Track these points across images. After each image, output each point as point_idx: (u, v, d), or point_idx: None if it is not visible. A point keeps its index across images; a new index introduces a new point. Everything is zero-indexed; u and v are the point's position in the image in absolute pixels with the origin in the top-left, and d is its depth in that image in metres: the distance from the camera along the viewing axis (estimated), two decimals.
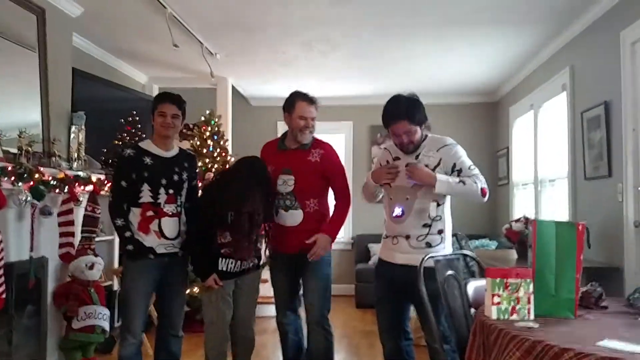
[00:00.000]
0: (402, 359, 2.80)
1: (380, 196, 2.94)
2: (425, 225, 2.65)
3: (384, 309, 2.82)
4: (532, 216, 4.77)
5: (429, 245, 2.64)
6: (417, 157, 2.71)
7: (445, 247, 2.70)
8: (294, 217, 3.09)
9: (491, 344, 1.84)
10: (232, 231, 2.98)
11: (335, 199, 3.23)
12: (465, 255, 2.72)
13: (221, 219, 2.98)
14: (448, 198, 2.73)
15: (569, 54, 4.67)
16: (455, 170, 2.66)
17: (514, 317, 1.96)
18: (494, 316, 1.95)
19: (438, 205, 2.67)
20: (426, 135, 2.78)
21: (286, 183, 3.11)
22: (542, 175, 5.35)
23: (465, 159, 2.70)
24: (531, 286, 2.00)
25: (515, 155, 6.25)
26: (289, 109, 3.15)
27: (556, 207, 4.96)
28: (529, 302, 1.98)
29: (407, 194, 2.66)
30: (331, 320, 3.23)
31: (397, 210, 2.69)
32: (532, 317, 1.97)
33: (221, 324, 3.03)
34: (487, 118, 7.17)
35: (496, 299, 1.96)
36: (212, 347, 3.04)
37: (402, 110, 2.63)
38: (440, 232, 2.68)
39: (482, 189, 2.61)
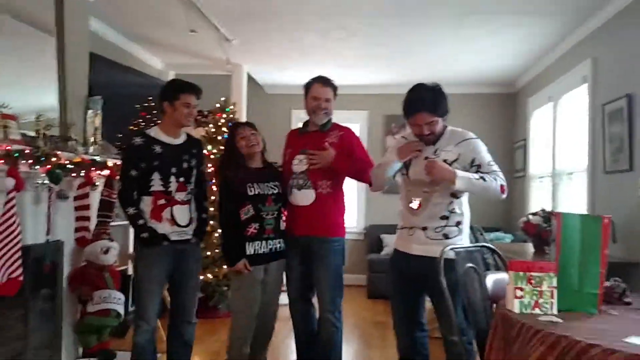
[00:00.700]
0: (417, 351, 2.77)
1: (386, 187, 2.91)
2: (443, 217, 2.61)
3: (399, 299, 2.79)
4: (549, 209, 4.71)
5: (446, 236, 2.60)
6: (435, 151, 2.65)
7: (463, 239, 2.66)
8: (306, 197, 3.10)
9: (513, 338, 1.81)
10: (253, 200, 3.00)
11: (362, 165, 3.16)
12: (484, 247, 2.67)
13: (240, 195, 2.99)
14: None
15: (591, 46, 4.58)
16: (474, 165, 2.61)
17: (537, 311, 1.93)
18: (517, 310, 1.92)
19: (457, 198, 2.64)
20: (445, 127, 2.71)
21: (301, 162, 3.14)
22: (559, 168, 5.28)
23: (485, 155, 2.64)
24: (554, 280, 1.96)
25: (533, 148, 6.17)
26: (305, 93, 3.20)
27: (574, 201, 4.89)
28: (552, 297, 1.95)
29: (425, 187, 2.63)
30: (343, 310, 3.21)
31: (415, 203, 2.65)
32: (554, 311, 1.94)
33: (248, 313, 3.02)
34: (505, 109, 7.08)
35: (519, 293, 1.93)
36: (238, 336, 3.03)
37: (427, 101, 2.57)
38: (458, 224, 2.64)
39: (501, 186, 2.56)
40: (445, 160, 2.59)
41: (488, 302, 2.32)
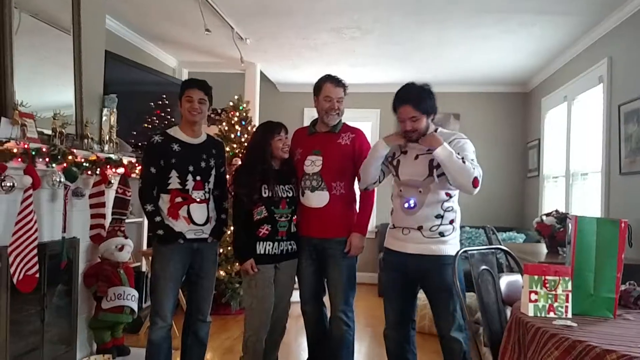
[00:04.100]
0: (408, 349, 2.82)
1: (372, 184, 2.92)
2: (437, 216, 2.65)
3: (394, 298, 2.82)
4: (563, 210, 4.68)
5: (441, 234, 2.64)
6: (428, 150, 2.65)
7: (456, 237, 2.71)
8: (319, 198, 3.09)
9: (528, 342, 1.80)
10: (267, 202, 3.01)
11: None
12: (498, 249, 2.67)
13: (254, 198, 3.00)
14: (456, 190, 2.69)
15: (607, 45, 4.53)
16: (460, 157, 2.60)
17: (551, 315, 1.92)
18: (531, 313, 1.91)
19: (450, 197, 2.68)
20: (436, 129, 2.74)
21: (314, 164, 3.12)
22: (574, 169, 5.24)
23: (469, 153, 2.63)
24: (570, 284, 1.95)
25: (547, 147, 6.12)
26: (317, 92, 3.18)
27: (588, 202, 4.86)
28: (567, 301, 1.94)
29: (419, 187, 2.66)
30: (354, 309, 3.22)
31: (410, 202, 2.68)
32: (569, 315, 1.93)
33: (260, 311, 3.02)
34: (519, 108, 7.03)
35: (533, 296, 1.92)
36: (251, 334, 3.04)
37: (410, 95, 2.61)
38: (452, 222, 2.68)
39: (475, 178, 2.51)
40: (432, 160, 2.60)
41: (502, 305, 2.32)
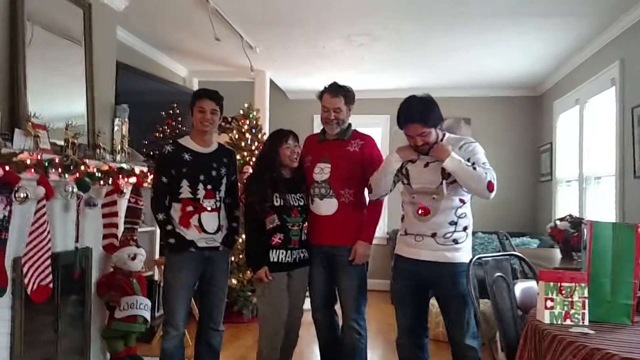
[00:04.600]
0: (421, 357, 2.79)
1: (384, 194, 2.89)
2: (451, 223, 2.63)
3: (406, 305, 2.79)
4: (577, 214, 4.63)
5: (455, 242, 2.62)
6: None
7: (469, 243, 2.69)
8: (328, 206, 3.08)
9: (544, 350, 1.78)
10: (279, 211, 3.01)
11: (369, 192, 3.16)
12: (512, 255, 2.64)
13: (266, 206, 3.00)
14: (469, 196, 2.68)
15: (620, 47, 4.49)
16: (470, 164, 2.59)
17: (568, 322, 1.89)
18: (547, 321, 1.89)
19: (464, 203, 2.66)
20: (444, 135, 2.73)
21: (322, 171, 3.12)
22: (587, 172, 5.19)
23: (480, 156, 2.62)
24: (586, 290, 1.93)
25: (559, 151, 6.07)
26: (320, 103, 3.19)
27: (602, 206, 4.80)
28: (583, 307, 1.91)
29: (433, 194, 2.63)
30: (367, 317, 3.20)
31: (423, 209, 2.65)
32: (586, 322, 1.91)
33: (275, 319, 3.01)
34: (530, 112, 6.98)
35: (549, 303, 1.90)
36: (266, 343, 3.03)
37: (416, 114, 2.59)
38: (465, 228, 2.66)
39: (489, 182, 2.49)
40: (444, 169, 2.58)
41: (517, 311, 2.30)
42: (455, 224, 2.63)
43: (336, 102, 3.11)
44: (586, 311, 1.92)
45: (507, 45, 5.11)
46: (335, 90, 3.13)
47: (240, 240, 4.56)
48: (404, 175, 2.77)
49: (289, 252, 3.04)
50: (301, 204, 3.09)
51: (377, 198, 2.96)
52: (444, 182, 2.58)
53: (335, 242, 3.08)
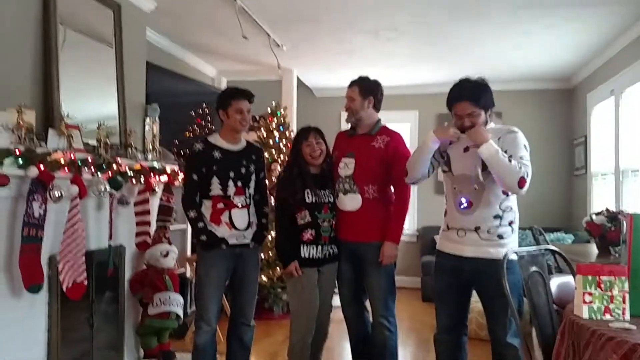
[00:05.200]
0: (460, 356, 2.71)
1: (420, 178, 2.76)
2: (496, 217, 2.50)
3: (447, 302, 2.70)
4: (613, 208, 4.49)
5: (500, 237, 2.49)
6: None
7: (515, 239, 2.56)
8: (352, 202, 3.05)
9: (583, 346, 1.73)
10: (310, 207, 3.02)
11: (394, 191, 3.11)
12: (547, 250, 2.57)
13: (298, 200, 3.01)
14: None
15: None
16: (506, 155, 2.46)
17: (607, 317, 1.84)
18: (586, 316, 1.84)
19: (508, 195, 2.52)
20: (487, 123, 2.58)
21: (347, 166, 3.10)
22: (624, 166, 5.04)
23: (520, 149, 2.47)
24: (626, 284, 1.86)
25: (594, 144, 5.92)
26: None
27: None
28: (624, 302, 1.85)
29: (474, 184, 2.51)
30: (397, 314, 3.17)
31: (464, 201, 2.54)
32: (627, 317, 1.84)
33: (307, 315, 3.02)
34: (563, 105, 6.83)
35: (587, 298, 1.84)
36: (298, 339, 3.03)
37: (468, 91, 2.50)
38: (511, 223, 2.53)
39: (522, 177, 2.37)
40: None
41: (553, 307, 2.24)
42: (500, 217, 2.50)
43: (350, 91, 3.13)
44: (627, 306, 1.85)
45: (537, 38, 5.00)
46: (353, 80, 3.15)
47: (270, 237, 4.58)
48: (445, 162, 2.67)
49: (320, 247, 3.04)
50: (331, 200, 3.09)
51: (413, 182, 2.82)
52: (479, 169, 2.46)
53: (359, 239, 3.06)
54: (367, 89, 3.12)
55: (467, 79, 2.57)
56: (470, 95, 2.49)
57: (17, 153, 2.51)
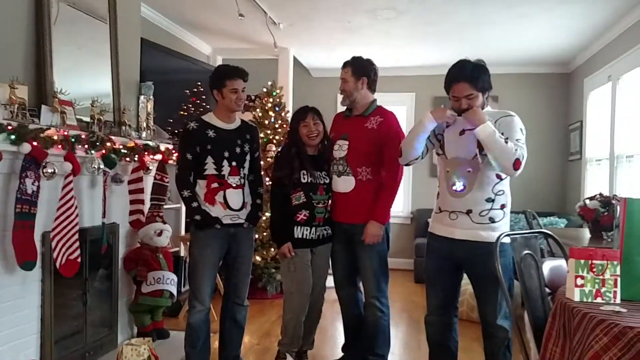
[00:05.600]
0: (450, 336, 2.73)
1: (419, 158, 2.71)
2: (488, 200, 2.51)
3: (438, 283, 2.71)
4: (607, 193, 4.51)
5: (492, 220, 2.50)
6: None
7: (507, 223, 2.56)
8: (346, 183, 3.07)
9: (573, 328, 1.74)
10: (306, 188, 3.02)
11: (384, 171, 3.07)
12: (540, 233, 2.58)
13: (294, 180, 3.02)
14: None
15: None
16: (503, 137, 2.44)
17: (599, 300, 1.85)
18: (577, 299, 1.85)
19: (501, 179, 2.52)
20: (484, 106, 2.56)
21: (341, 148, 3.11)
22: (618, 151, 5.05)
23: (515, 132, 2.46)
24: (618, 268, 1.87)
25: (590, 130, 5.92)
26: None
27: (634, 185, 4.68)
28: (615, 285, 1.86)
29: (468, 166, 2.51)
30: (390, 295, 3.19)
31: (458, 184, 2.53)
32: (618, 300, 1.86)
33: (299, 294, 3.05)
34: (560, 89, 6.81)
35: (579, 281, 1.85)
36: (290, 317, 3.07)
37: (466, 72, 2.48)
38: (503, 206, 2.54)
39: (517, 159, 2.36)
40: None
41: (545, 290, 2.25)
42: (492, 201, 2.50)
43: (343, 73, 3.12)
44: (618, 289, 1.86)
45: (536, 21, 4.96)
46: (346, 61, 3.13)
47: (265, 218, 4.58)
48: (439, 145, 2.66)
49: (313, 229, 3.06)
50: (327, 181, 3.09)
51: (407, 162, 2.79)
52: (477, 150, 2.45)
53: (352, 220, 3.07)
54: (360, 69, 3.10)
55: (466, 60, 2.55)
56: (469, 76, 2.47)
57: (10, 129, 2.48)
